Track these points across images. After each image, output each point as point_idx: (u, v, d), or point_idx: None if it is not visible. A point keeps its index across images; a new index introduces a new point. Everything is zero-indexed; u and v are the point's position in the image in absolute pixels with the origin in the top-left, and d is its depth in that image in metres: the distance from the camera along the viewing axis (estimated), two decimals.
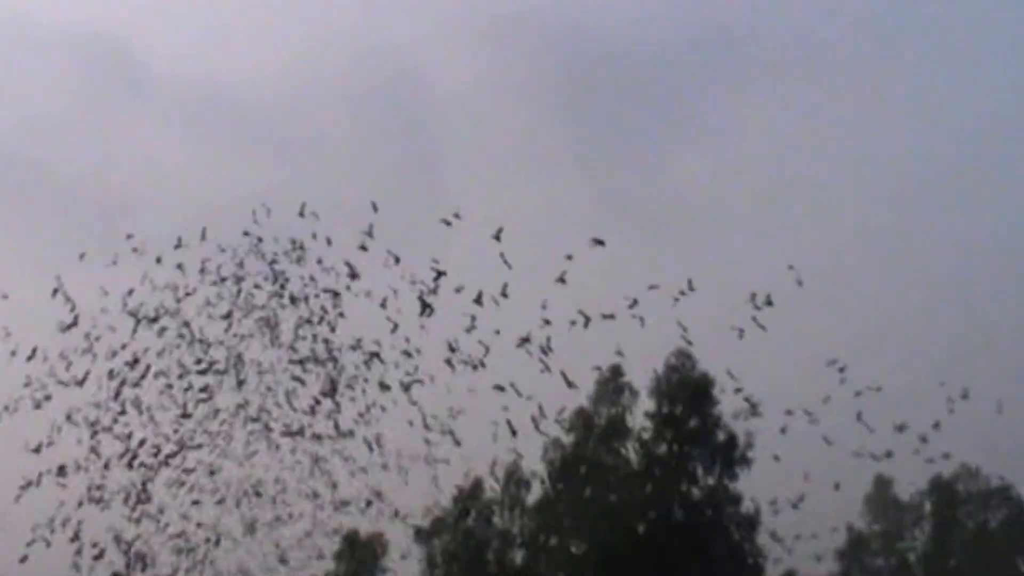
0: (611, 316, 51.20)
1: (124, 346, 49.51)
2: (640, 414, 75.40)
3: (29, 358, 51.71)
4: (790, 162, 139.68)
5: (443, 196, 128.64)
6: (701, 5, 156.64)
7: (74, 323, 49.08)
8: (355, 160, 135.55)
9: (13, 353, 52.86)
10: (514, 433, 65.50)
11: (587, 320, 49.69)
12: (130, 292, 49.63)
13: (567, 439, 76.00)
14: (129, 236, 48.84)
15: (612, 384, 75.88)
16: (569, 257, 50.82)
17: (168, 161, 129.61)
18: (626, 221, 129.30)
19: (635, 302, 45.53)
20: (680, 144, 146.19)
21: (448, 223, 57.92)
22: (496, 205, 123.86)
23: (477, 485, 79.57)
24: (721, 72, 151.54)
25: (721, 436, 73.33)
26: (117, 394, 50.07)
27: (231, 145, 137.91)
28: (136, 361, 49.45)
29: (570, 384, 48.98)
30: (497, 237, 51.16)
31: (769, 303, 45.16)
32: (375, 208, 54.16)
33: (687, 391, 74.15)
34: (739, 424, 72.34)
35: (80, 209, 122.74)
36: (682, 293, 45.07)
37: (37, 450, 47.80)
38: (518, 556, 79.10)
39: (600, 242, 51.76)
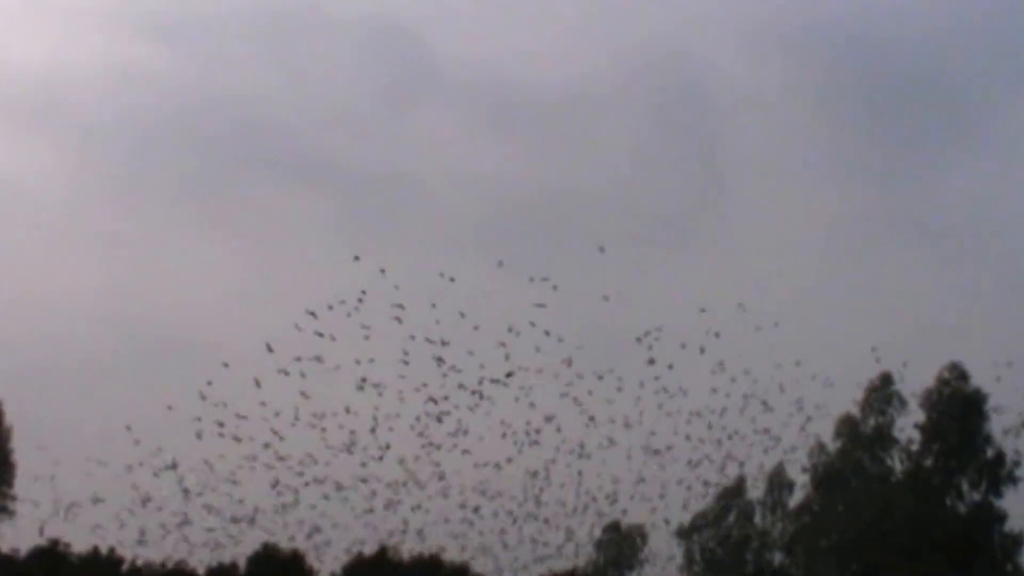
0: None
1: None
2: (907, 424, 74.72)
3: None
4: None
5: (723, 198, 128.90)
6: (999, 14, 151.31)
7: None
8: (643, 161, 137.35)
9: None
10: None
11: None
12: None
13: (833, 445, 75.80)
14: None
15: (881, 392, 75.24)
16: None
17: (460, 153, 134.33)
18: (911, 231, 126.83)
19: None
20: (966, 153, 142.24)
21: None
22: (782, 213, 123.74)
23: (740, 484, 79.99)
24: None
25: (990, 453, 72.01)
26: None
27: (524, 141, 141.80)
28: None
29: None
30: None
31: None
32: None
33: (959, 405, 72.90)
34: (1009, 442, 71.39)
35: (374, 199, 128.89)
36: None
37: None
38: (776, 558, 79.24)
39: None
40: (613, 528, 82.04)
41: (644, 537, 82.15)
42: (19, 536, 74.53)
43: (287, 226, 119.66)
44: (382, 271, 61.76)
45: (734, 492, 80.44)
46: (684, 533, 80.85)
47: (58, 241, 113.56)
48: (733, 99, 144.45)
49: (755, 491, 79.53)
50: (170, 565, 75.27)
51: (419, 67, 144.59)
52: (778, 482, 79.48)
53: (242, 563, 76.16)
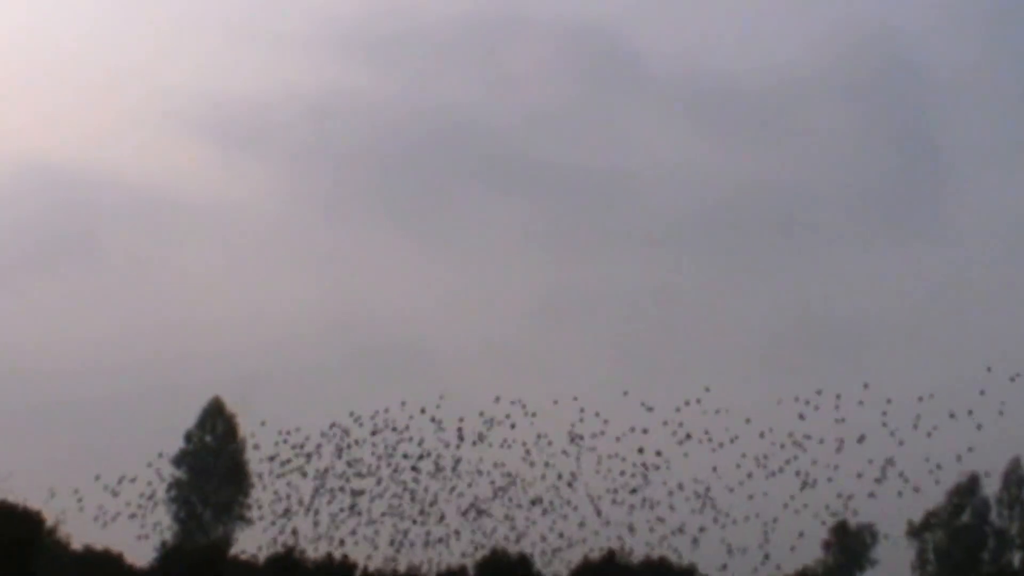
0: None
1: None
2: None
3: None
4: None
5: (940, 182, 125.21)
6: None
7: None
8: (851, 146, 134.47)
9: None
10: None
11: None
12: None
13: None
14: None
15: None
16: None
17: (666, 149, 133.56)
18: None
19: None
20: None
21: None
22: (1004, 193, 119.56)
23: (974, 481, 77.72)
24: None
25: None
26: None
27: (728, 133, 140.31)
28: None
29: None
30: None
31: None
32: None
33: None
34: None
35: (582, 197, 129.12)
36: None
37: None
38: (1016, 559, 76.77)
39: None
40: (841, 528, 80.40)
41: (874, 536, 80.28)
42: (257, 543, 76.75)
43: (495, 229, 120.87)
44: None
45: (967, 490, 78.22)
46: (916, 532, 78.93)
47: (276, 257, 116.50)
48: (948, 75, 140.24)
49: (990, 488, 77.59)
50: (401, 570, 76.19)
51: (620, 64, 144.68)
52: (1015, 478, 77.14)
53: (471, 567, 76.63)
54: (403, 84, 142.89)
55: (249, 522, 77.47)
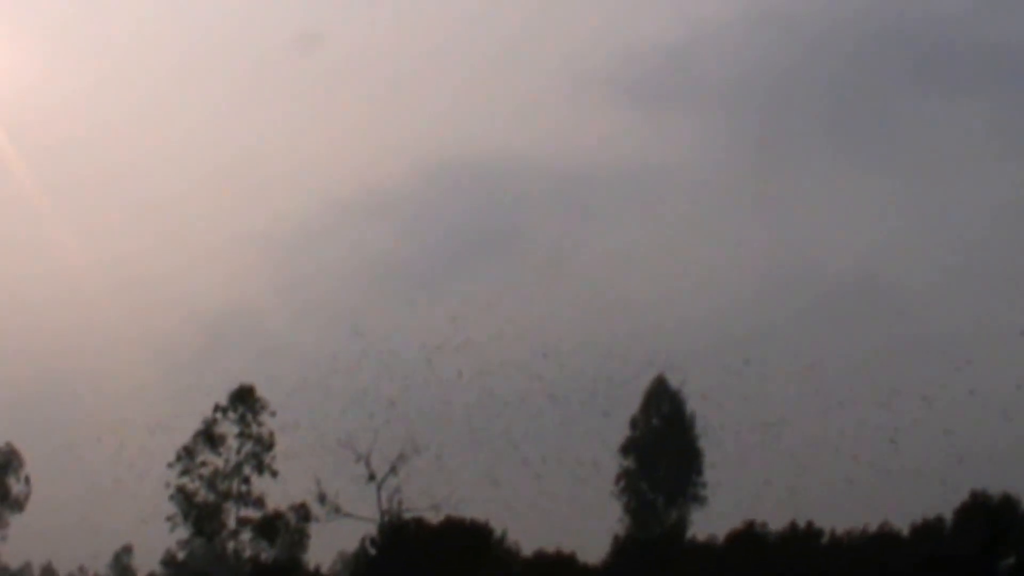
0: None
1: None
2: None
3: None
4: None
5: None
6: None
7: None
8: None
9: None
10: None
11: None
12: None
13: None
14: None
15: None
16: None
17: None
18: None
19: None
20: None
21: None
22: None
23: None
24: None
25: None
26: None
27: None
28: None
29: None
30: None
31: None
32: None
33: None
34: None
35: None
36: None
37: None
38: None
39: None
40: None
41: None
42: (714, 523, 73.07)
43: (944, 137, 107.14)
44: None
45: None
46: None
47: (711, 215, 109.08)
48: None
49: None
50: (872, 529, 69.24)
51: None
52: None
53: (948, 516, 68.25)
54: None
55: (704, 501, 73.93)
